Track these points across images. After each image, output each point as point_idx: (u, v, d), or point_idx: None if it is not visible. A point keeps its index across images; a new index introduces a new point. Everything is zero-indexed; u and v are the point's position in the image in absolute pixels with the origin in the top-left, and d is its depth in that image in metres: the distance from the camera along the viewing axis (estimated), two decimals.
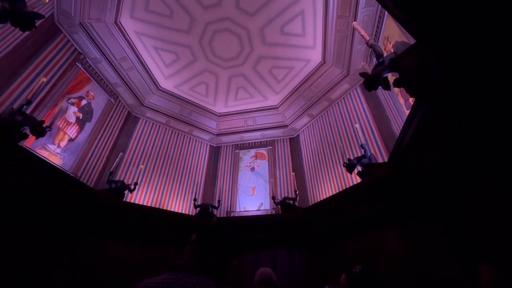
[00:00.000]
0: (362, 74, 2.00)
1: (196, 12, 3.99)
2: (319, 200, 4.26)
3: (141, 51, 4.51)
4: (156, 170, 4.88)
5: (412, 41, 1.52)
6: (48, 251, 2.97)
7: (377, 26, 3.40)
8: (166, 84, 5.22)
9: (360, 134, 3.50)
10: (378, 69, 1.82)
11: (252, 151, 5.77)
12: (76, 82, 3.79)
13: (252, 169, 5.48)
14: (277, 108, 5.65)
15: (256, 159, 5.60)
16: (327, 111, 4.94)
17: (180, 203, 4.83)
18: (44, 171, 2.96)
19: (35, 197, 2.81)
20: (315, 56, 4.52)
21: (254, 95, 5.51)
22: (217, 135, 6.02)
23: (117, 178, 4.16)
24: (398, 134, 2.60)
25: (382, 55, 1.82)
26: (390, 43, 3.02)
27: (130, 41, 4.28)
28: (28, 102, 2.51)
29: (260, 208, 4.83)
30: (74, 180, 3.42)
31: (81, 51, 3.89)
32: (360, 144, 3.30)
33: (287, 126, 5.64)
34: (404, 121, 2.37)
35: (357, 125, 3.75)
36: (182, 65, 4.87)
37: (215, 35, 4.37)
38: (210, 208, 4.42)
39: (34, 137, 2.68)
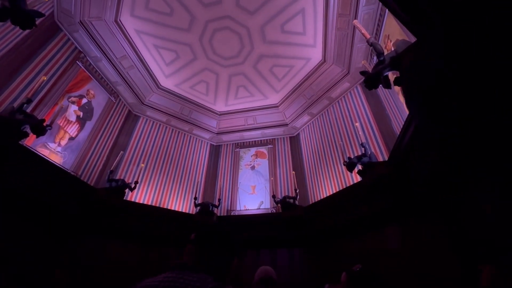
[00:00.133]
0: (362, 73, 1.99)
1: (196, 10, 3.98)
2: (319, 198, 4.26)
3: (141, 50, 4.50)
4: (157, 169, 4.89)
5: (413, 39, 1.52)
6: (48, 251, 2.97)
7: (378, 25, 3.39)
8: (167, 82, 5.21)
9: (360, 133, 3.50)
10: (378, 68, 1.81)
11: (253, 150, 5.77)
12: (77, 81, 3.79)
13: (253, 167, 5.48)
14: (277, 106, 5.64)
15: (256, 158, 5.60)
16: (327, 110, 4.93)
17: (180, 202, 4.84)
18: (45, 170, 2.97)
19: (36, 196, 2.81)
20: (316, 55, 4.51)
21: (255, 94, 5.51)
22: (217, 133, 6.02)
23: (117, 177, 4.17)
24: (398, 133, 2.60)
25: (383, 53, 1.82)
26: (390, 41, 3.01)
27: (130, 40, 4.27)
28: (29, 101, 2.51)
29: (261, 207, 4.84)
30: (74, 179, 3.43)
31: (81, 50, 3.89)
32: (360, 142, 3.29)
33: (287, 124, 5.64)
34: (404, 120, 2.36)
35: (357, 124, 3.75)
36: (183, 63, 4.87)
37: (216, 33, 4.36)
38: (211, 207, 4.43)
39: (34, 136, 2.68)
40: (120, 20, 3.95)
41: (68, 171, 3.44)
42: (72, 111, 3.69)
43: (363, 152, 3.20)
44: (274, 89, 5.35)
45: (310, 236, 3.88)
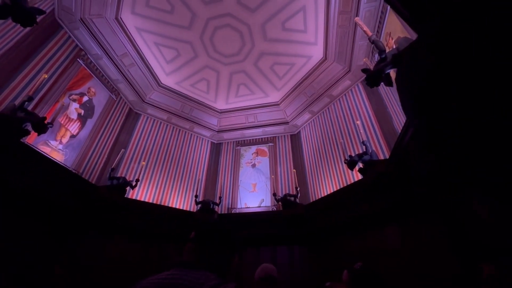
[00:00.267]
0: (364, 71, 1.99)
1: (197, 8, 3.97)
2: (320, 197, 4.27)
3: (142, 47, 4.50)
4: (158, 166, 4.90)
5: (414, 36, 1.51)
6: (48, 250, 2.96)
7: (379, 22, 3.37)
8: (167, 80, 5.21)
9: (361, 131, 3.49)
10: (380, 65, 1.81)
11: (253, 148, 5.77)
12: (77, 79, 3.79)
13: (253, 165, 5.49)
14: (278, 104, 5.64)
15: (257, 156, 5.61)
16: (328, 108, 4.92)
17: (181, 200, 4.86)
18: (46, 168, 2.98)
19: (37, 194, 2.82)
20: (317, 52, 4.49)
21: (255, 92, 5.50)
22: (218, 131, 6.03)
23: (118, 175, 4.18)
24: (399, 131, 2.60)
25: (385, 51, 1.81)
26: (392, 39, 2.99)
27: (131, 37, 4.26)
28: (30, 99, 2.51)
29: (261, 205, 4.85)
30: (76, 176, 3.44)
31: (82, 47, 3.88)
32: (361, 140, 3.29)
33: (288, 122, 5.64)
34: (406, 118, 2.35)
35: (358, 122, 3.74)
36: (183, 61, 4.86)
37: (216, 31, 4.34)
38: (211, 205, 4.44)
39: (36, 134, 2.69)
40: (120, 17, 3.94)
41: (70, 169, 3.45)
42: (73, 109, 3.70)
43: (364, 150, 3.20)
44: (275, 87, 5.34)
45: (310, 234, 3.89)
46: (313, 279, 3.52)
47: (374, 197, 3.03)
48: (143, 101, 5.16)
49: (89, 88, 4.02)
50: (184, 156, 5.41)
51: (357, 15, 3.44)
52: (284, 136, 5.71)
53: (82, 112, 3.86)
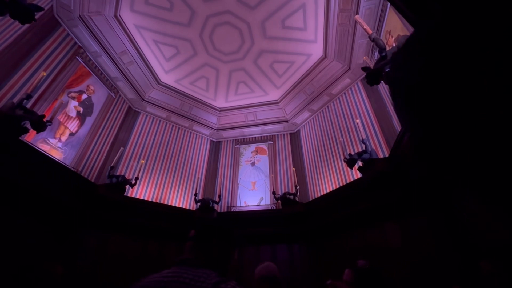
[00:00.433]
0: (364, 69, 1.98)
1: (196, 5, 3.95)
2: (319, 195, 4.27)
3: (141, 45, 4.48)
4: (157, 165, 4.89)
5: None
6: (48, 248, 2.96)
7: (379, 20, 3.36)
8: (167, 78, 5.19)
9: (361, 129, 3.49)
10: (380, 64, 1.80)
11: (253, 146, 5.77)
12: (76, 76, 3.77)
13: (253, 164, 5.49)
14: (277, 103, 5.63)
15: (256, 154, 5.61)
16: (328, 106, 4.92)
17: (180, 198, 4.86)
18: (45, 166, 2.97)
19: (36, 192, 2.81)
20: (316, 51, 4.48)
21: (255, 90, 5.49)
22: (217, 130, 6.02)
23: (118, 173, 4.17)
24: (399, 130, 2.60)
25: (385, 49, 1.81)
26: (392, 37, 2.99)
27: (130, 35, 4.24)
28: (28, 96, 2.50)
29: (261, 203, 4.85)
30: (75, 174, 3.43)
31: (81, 45, 3.86)
32: (361, 139, 3.29)
33: (287, 121, 5.63)
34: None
35: (358, 120, 3.74)
36: (183, 59, 4.84)
37: (216, 28, 4.32)
38: (211, 203, 4.44)
39: (35, 132, 2.67)
40: (119, 15, 3.92)
41: (69, 167, 3.45)
42: (72, 106, 3.68)
43: (364, 148, 3.20)
44: (274, 85, 5.33)
45: (310, 232, 3.90)
46: (312, 277, 3.53)
47: (374, 195, 3.04)
48: (142, 99, 5.14)
49: (88, 86, 4.00)
50: (183, 154, 5.41)
51: (357, 13, 3.43)
52: (284, 134, 5.70)
53: (81, 110, 3.84)
